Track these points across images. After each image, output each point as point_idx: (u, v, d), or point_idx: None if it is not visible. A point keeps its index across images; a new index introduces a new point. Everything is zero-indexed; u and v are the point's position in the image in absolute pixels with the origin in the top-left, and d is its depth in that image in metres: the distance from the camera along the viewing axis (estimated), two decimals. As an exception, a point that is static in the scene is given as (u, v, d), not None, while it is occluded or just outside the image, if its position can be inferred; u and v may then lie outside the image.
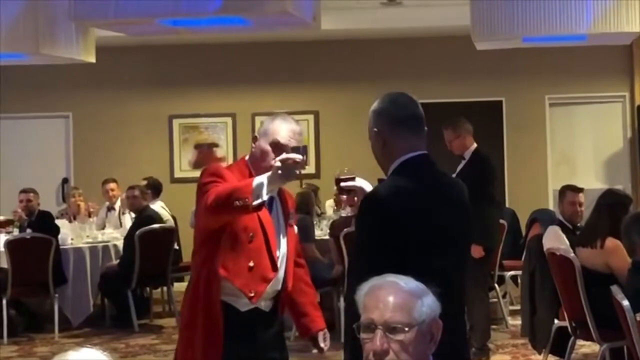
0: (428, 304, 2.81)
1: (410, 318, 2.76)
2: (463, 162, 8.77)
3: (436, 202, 3.59)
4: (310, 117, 14.51)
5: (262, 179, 4.16)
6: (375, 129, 3.66)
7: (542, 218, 10.03)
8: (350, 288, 3.44)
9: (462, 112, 11.23)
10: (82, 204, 12.20)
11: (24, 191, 10.82)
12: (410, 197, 3.53)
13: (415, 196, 3.54)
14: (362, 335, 2.78)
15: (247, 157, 4.58)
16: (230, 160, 14.40)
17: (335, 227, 10.22)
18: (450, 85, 13.95)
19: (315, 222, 10.91)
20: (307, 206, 10.30)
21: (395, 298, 2.77)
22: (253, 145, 4.55)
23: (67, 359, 1.94)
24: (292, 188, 11.98)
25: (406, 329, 2.75)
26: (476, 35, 9.68)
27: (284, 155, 4.16)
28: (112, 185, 12.19)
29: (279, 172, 4.11)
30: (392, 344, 2.74)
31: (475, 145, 8.85)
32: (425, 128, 3.72)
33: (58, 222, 10.90)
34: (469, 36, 9.62)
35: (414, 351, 2.76)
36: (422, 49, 14.17)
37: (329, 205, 12.32)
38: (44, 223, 10.53)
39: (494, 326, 9.62)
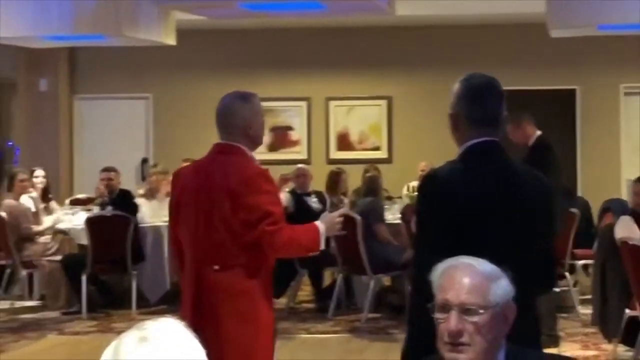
0: (503, 286, 2.81)
1: (485, 300, 2.77)
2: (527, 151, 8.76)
3: (496, 190, 3.53)
4: (384, 103, 14.61)
5: (323, 231, 4.70)
6: (451, 111, 3.65)
7: (614, 207, 10.02)
8: (413, 265, 3.57)
9: (535, 100, 11.29)
10: (164, 182, 12.32)
11: (105, 170, 10.99)
12: (466, 181, 3.51)
13: (471, 181, 3.51)
14: (437, 315, 2.80)
15: (239, 145, 4.68)
16: (305, 144, 14.57)
17: (407, 211, 10.32)
18: (523, 73, 13.93)
19: (386, 206, 11.01)
20: (374, 189, 10.45)
21: (471, 280, 2.78)
22: (248, 129, 4.66)
23: (145, 328, 1.94)
24: (359, 173, 12.15)
25: (481, 310, 2.76)
26: (551, 22, 9.70)
27: (341, 211, 5.03)
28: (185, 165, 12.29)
29: (337, 226, 4.79)
30: (467, 325, 2.76)
31: (538, 133, 8.78)
32: (503, 116, 3.67)
33: (137, 200, 11.07)
34: (544, 24, 9.66)
35: (488, 333, 2.77)
36: (496, 36, 14.17)
37: (404, 190, 12.42)
38: (124, 201, 10.71)
39: (564, 315, 9.64)
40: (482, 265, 2.83)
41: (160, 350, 1.90)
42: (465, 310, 2.76)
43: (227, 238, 4.57)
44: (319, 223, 4.71)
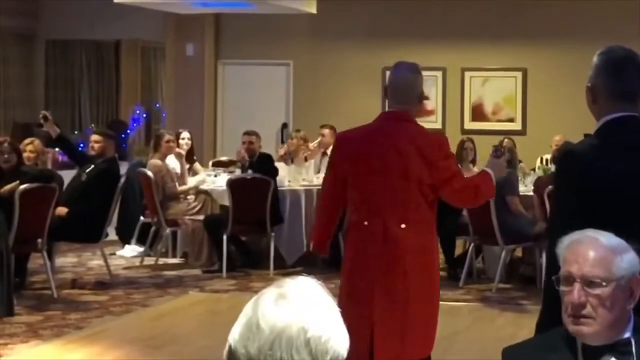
0: (628, 260, 2.80)
1: (608, 273, 2.77)
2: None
3: (635, 165, 3.49)
4: (518, 74, 14.58)
5: (493, 177, 5.37)
6: (589, 84, 3.60)
7: None
8: (547, 238, 3.55)
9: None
10: (302, 147, 12.55)
11: (247, 133, 11.16)
12: (604, 156, 3.48)
13: (609, 157, 3.48)
14: (561, 287, 2.83)
15: (408, 112, 5.24)
16: (440, 113, 14.71)
17: (539, 184, 10.35)
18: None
19: (520, 178, 11.08)
20: (510, 161, 10.50)
21: (595, 253, 2.79)
22: (420, 98, 5.32)
23: (284, 285, 1.99)
24: (490, 142, 12.24)
25: (604, 283, 2.76)
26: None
27: (505, 158, 5.67)
28: (325, 131, 12.29)
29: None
30: (590, 297, 2.77)
31: None
32: None
33: (277, 164, 11.23)
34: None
35: (611, 306, 2.78)
36: (636, 8, 13.94)
37: (538, 163, 12.48)
38: (264, 164, 10.87)
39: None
40: (608, 238, 2.84)
41: (297, 308, 1.94)
42: (588, 282, 2.78)
43: (418, 198, 5.13)
44: (488, 169, 5.39)
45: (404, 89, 5.21)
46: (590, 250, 2.80)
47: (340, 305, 4.90)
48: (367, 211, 5.19)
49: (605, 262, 2.79)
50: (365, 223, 5.18)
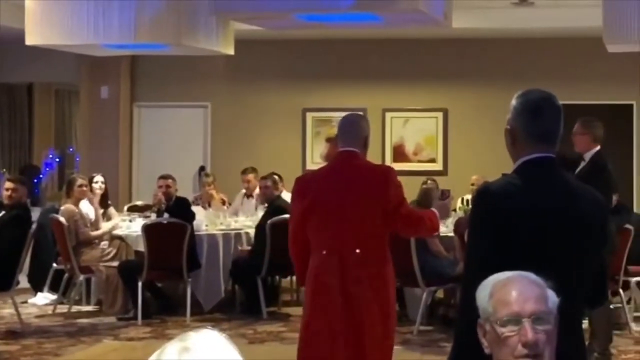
0: (552, 294, 2.79)
1: (548, 308, 2.76)
2: (582, 164, 8.70)
3: (552, 205, 3.52)
4: (439, 115, 14.66)
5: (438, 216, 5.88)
6: (507, 127, 3.65)
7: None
8: (464, 275, 3.56)
9: (592, 114, 11.24)
10: (213, 193, 12.49)
11: (162, 177, 11.05)
12: (521, 195, 3.50)
13: (527, 196, 3.50)
14: (504, 330, 2.74)
15: (355, 151, 5.71)
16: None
17: (459, 225, 10.32)
18: (580, 87, 13.89)
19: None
20: (427, 201, 10.46)
21: (532, 289, 2.76)
22: (367, 140, 5.83)
23: (187, 339, 1.99)
24: (415, 185, 12.20)
25: (549, 318, 2.75)
26: (608, 37, 9.66)
27: (450, 199, 6.17)
28: (249, 176, 12.44)
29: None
30: (539, 334, 2.72)
31: (598, 147, 8.68)
32: (560, 132, 3.67)
33: (193, 208, 11.14)
34: (601, 38, 9.63)
35: (553, 341, 2.76)
36: (553, 50, 14.15)
37: (458, 203, 12.44)
38: (181, 209, 10.75)
39: (617, 332, 9.55)
40: (531, 275, 2.81)
41: None
42: (536, 319, 2.73)
43: (371, 225, 5.62)
44: (434, 209, 5.90)
45: (350, 130, 5.76)
46: (526, 287, 2.76)
47: (301, 337, 5.49)
48: (325, 242, 5.66)
49: (543, 297, 2.77)
50: (324, 252, 5.65)
